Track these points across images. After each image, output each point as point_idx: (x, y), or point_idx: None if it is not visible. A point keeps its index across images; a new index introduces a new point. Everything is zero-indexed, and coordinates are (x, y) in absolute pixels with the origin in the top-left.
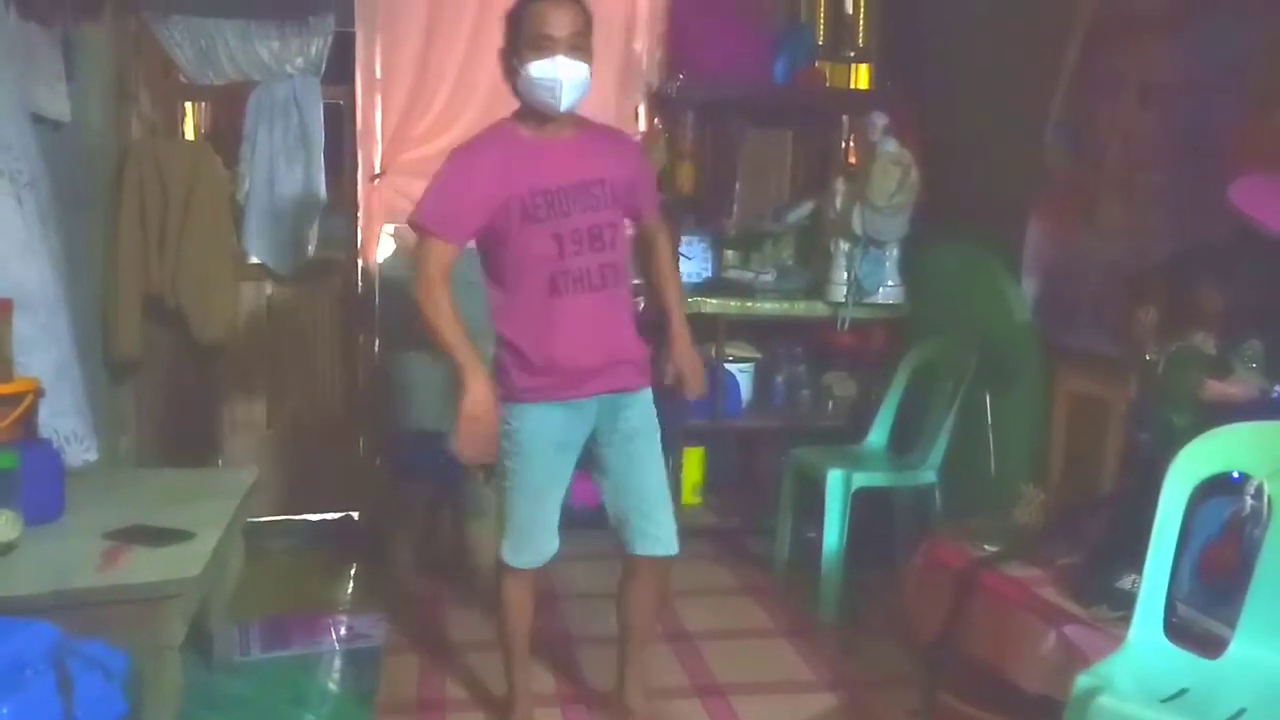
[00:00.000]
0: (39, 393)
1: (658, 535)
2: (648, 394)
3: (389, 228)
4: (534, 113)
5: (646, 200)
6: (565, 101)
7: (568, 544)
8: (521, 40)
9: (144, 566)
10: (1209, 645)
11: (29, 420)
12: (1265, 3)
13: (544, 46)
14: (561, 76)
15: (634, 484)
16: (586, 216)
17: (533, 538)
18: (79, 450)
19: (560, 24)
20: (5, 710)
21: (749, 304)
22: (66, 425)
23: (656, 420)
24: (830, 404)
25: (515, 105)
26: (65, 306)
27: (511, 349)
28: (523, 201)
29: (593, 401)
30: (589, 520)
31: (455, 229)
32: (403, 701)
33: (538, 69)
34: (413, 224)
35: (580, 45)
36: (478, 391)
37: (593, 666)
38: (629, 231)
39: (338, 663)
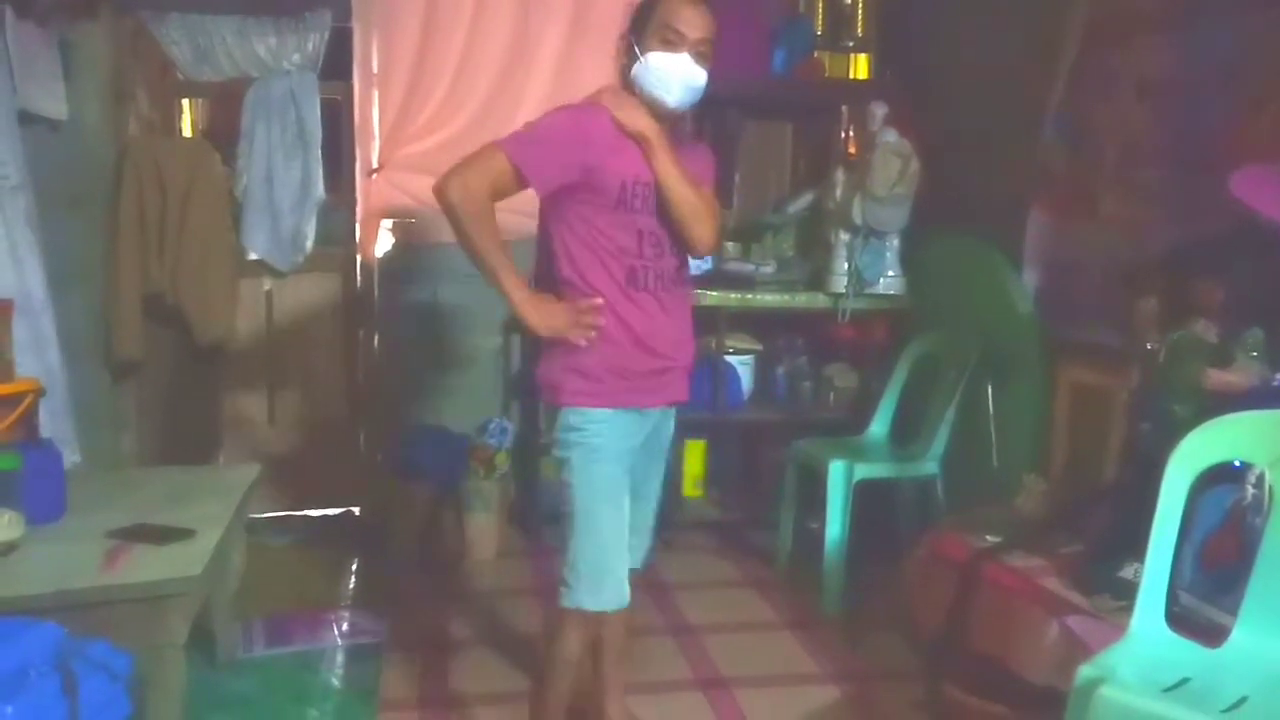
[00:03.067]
0: (39, 393)
1: (640, 550)
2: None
3: (387, 223)
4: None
5: None
6: (675, 99)
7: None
8: (649, 29)
9: (146, 566)
10: (1211, 634)
11: (30, 420)
12: (1260, 0)
13: (672, 41)
14: (683, 75)
15: (645, 503)
16: (665, 220)
17: (617, 570)
18: (67, 453)
19: (694, 24)
20: (10, 711)
21: (749, 296)
22: (55, 428)
23: None
24: (831, 396)
25: (513, 100)
26: (52, 311)
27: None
28: (623, 184)
29: (656, 412)
30: None
31: (537, 166)
32: (405, 698)
33: (660, 60)
34: (492, 145)
35: (705, 53)
36: (522, 289)
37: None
38: None
39: (340, 659)
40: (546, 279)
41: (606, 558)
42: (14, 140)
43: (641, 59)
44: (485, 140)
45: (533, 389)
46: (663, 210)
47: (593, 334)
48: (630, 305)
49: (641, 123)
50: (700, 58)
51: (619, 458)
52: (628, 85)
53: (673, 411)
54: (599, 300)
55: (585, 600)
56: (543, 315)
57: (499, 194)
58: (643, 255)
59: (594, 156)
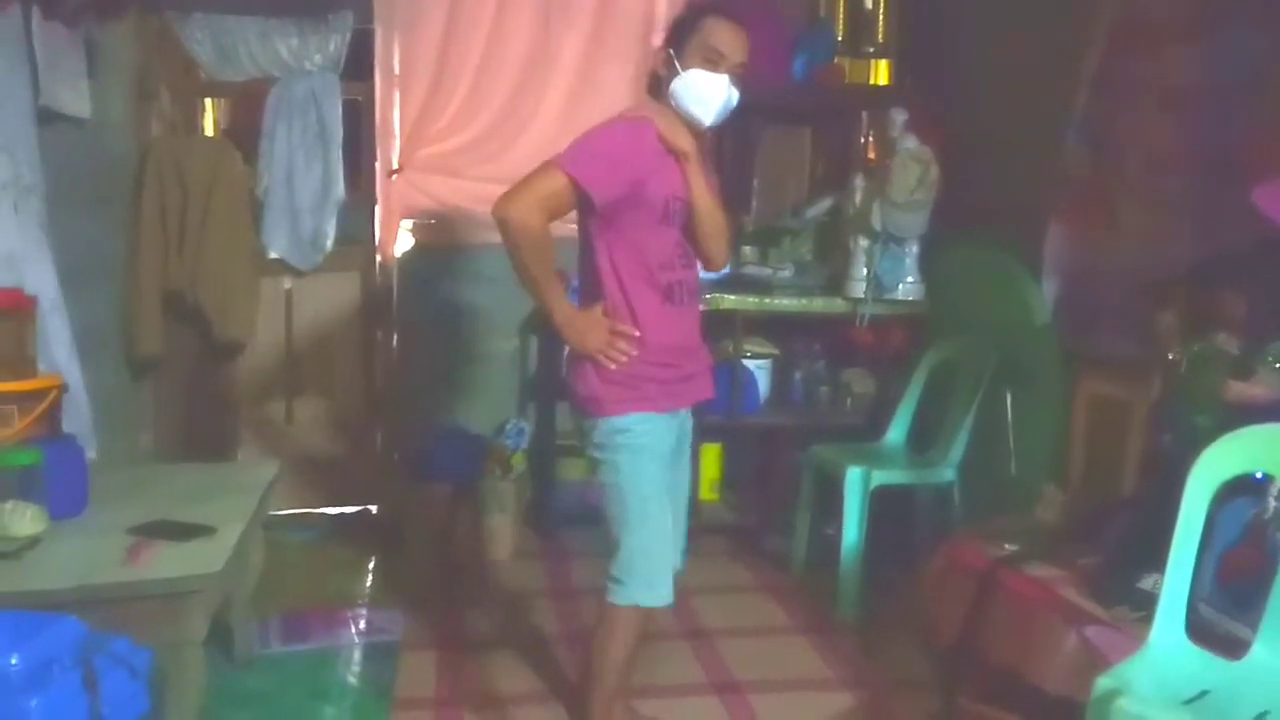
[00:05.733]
0: (63, 389)
1: (679, 549)
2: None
3: (407, 223)
4: (679, 117)
5: None
6: (712, 118)
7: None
8: (690, 45)
9: (167, 562)
10: (1230, 647)
11: (53, 416)
12: None
13: (713, 61)
14: (722, 96)
15: (678, 501)
16: (690, 237)
17: (668, 565)
18: None
19: (734, 47)
20: (34, 704)
21: (767, 300)
22: (68, 425)
23: None
24: (849, 401)
25: (533, 103)
26: (63, 310)
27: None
28: (666, 200)
29: (686, 412)
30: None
31: (600, 180)
32: (420, 697)
33: (701, 79)
34: (551, 164)
35: (741, 76)
36: (565, 309)
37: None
38: None
39: (356, 657)
40: (589, 288)
41: (661, 552)
42: (31, 142)
43: (681, 74)
44: (504, 141)
45: (569, 398)
46: (688, 225)
47: (624, 360)
48: (666, 319)
49: (684, 140)
50: (736, 80)
51: (662, 457)
52: (661, 97)
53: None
54: (635, 332)
55: (641, 597)
56: (580, 336)
57: (555, 216)
58: (675, 268)
59: (645, 171)
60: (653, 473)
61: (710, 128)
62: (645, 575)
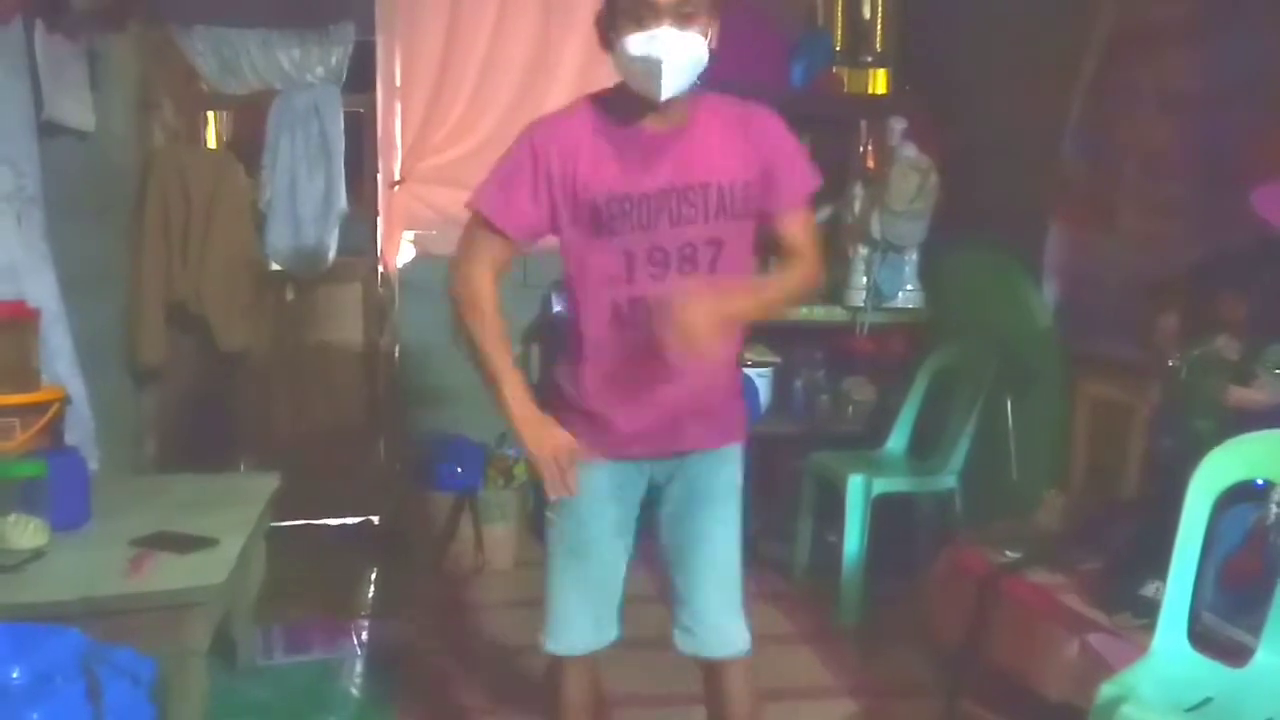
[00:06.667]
0: (66, 401)
1: (697, 632)
2: (728, 453)
3: (409, 234)
4: (633, 96)
5: (784, 194)
6: (668, 88)
7: None
8: (620, 6)
9: (170, 573)
10: (1233, 653)
11: (55, 428)
12: None
13: (643, 16)
14: (663, 55)
15: (687, 561)
16: (677, 231)
17: (574, 617)
18: None
19: None
20: (36, 717)
21: None
22: (70, 437)
23: (737, 485)
24: (849, 409)
25: (534, 109)
26: (65, 323)
27: (556, 387)
28: (594, 207)
29: (646, 463)
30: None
31: (507, 218)
32: (423, 707)
33: (635, 45)
34: (468, 205)
35: (692, 13)
36: (521, 402)
37: None
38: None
39: (359, 668)
40: None
41: (563, 603)
42: (34, 154)
43: (617, 46)
44: (506, 149)
45: None
46: (671, 222)
47: (565, 495)
48: (612, 347)
49: (736, 305)
50: (685, 21)
51: (598, 506)
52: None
53: (705, 454)
54: (574, 484)
55: (549, 640)
56: (537, 443)
57: (499, 263)
58: (627, 282)
59: (548, 181)
60: (572, 530)
61: (675, 97)
62: (551, 619)
